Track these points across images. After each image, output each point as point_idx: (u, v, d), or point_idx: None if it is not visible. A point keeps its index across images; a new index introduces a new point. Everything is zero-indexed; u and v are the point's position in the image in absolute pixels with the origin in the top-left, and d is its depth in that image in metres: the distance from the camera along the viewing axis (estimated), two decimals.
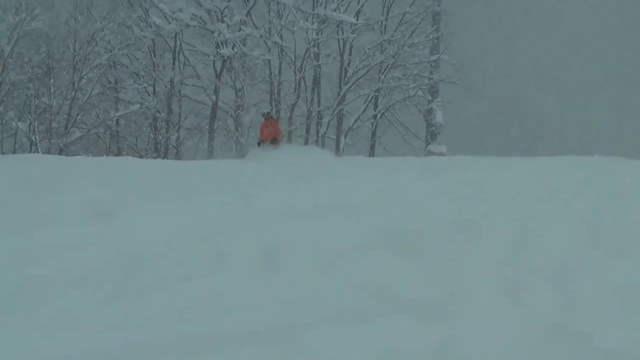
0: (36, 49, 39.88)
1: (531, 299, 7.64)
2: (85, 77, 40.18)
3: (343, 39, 44.73)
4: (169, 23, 39.20)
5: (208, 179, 14.53)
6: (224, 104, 42.81)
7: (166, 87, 42.14)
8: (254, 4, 40.37)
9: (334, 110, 44.46)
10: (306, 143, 43.26)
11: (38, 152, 35.42)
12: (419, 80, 45.52)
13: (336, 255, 8.76)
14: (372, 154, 44.76)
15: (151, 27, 40.64)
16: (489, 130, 57.97)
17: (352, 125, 45.53)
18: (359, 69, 45.06)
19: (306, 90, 45.16)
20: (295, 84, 44.51)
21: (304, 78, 44.69)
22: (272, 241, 9.03)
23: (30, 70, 38.74)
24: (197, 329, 6.64)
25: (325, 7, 42.82)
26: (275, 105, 44.30)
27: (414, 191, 11.59)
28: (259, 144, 27.16)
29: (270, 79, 44.37)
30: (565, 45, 62.52)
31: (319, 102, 45.32)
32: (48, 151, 36.99)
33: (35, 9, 38.49)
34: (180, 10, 38.10)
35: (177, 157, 42.08)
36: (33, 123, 37.62)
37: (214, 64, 40.80)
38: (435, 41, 44.41)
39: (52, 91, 38.73)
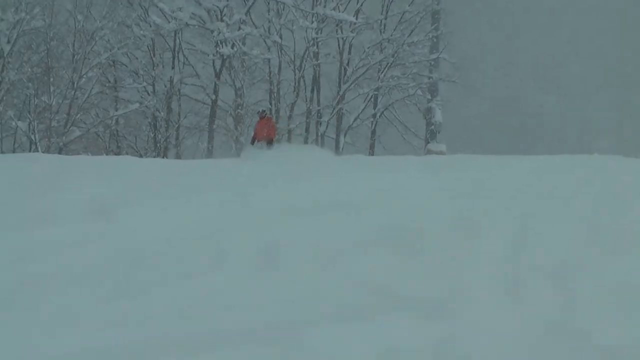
0: (35, 48, 39.84)
1: (531, 297, 7.64)
2: (84, 76, 40.13)
3: (342, 38, 44.75)
4: (169, 22, 39.23)
5: (207, 177, 14.54)
6: (224, 103, 42.84)
7: (166, 86, 42.13)
8: (253, 3, 40.42)
9: (334, 109, 44.48)
10: (306, 142, 43.27)
11: (38, 151, 35.37)
12: (419, 79, 45.56)
13: (336, 253, 8.76)
14: (371, 152, 44.79)
15: (151, 26, 40.65)
16: (488, 130, 57.98)
17: (352, 124, 45.56)
18: (359, 68, 45.09)
19: (306, 89, 45.18)
20: (295, 83, 44.53)
21: (303, 77, 44.72)
22: (272, 239, 9.03)
23: (29, 69, 38.69)
24: (197, 327, 6.63)
25: (325, 6, 42.87)
26: (275, 104, 44.33)
27: (414, 189, 11.60)
28: (252, 143, 27.01)
29: (270, 77, 44.39)
30: (565, 45, 62.52)
31: (318, 101, 45.34)
32: (47, 150, 36.95)
33: (35, 8, 38.44)
34: (180, 9, 38.13)
35: (177, 156, 42.07)
36: (33, 122, 37.59)
37: (213, 63, 40.83)
38: (435, 40, 44.45)
39: (51, 90, 38.68)
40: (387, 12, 45.93)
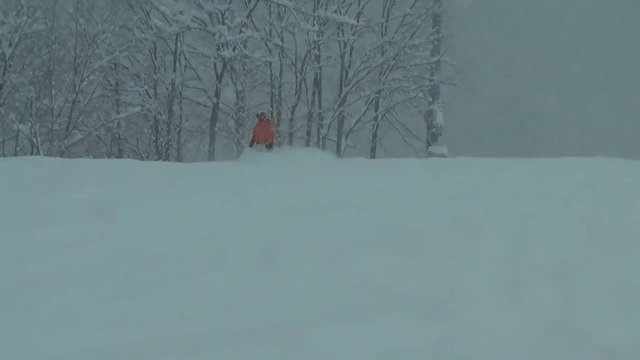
0: (37, 52, 39.88)
1: (531, 297, 7.65)
2: (86, 79, 40.16)
3: (344, 41, 44.78)
4: (170, 25, 39.23)
5: (208, 179, 14.55)
6: (225, 106, 42.86)
7: (167, 89, 42.18)
8: (254, 6, 40.44)
9: (335, 112, 44.49)
10: (307, 145, 43.31)
11: (39, 154, 35.41)
12: (420, 82, 45.54)
13: (336, 253, 8.77)
14: (373, 155, 44.78)
15: (152, 29, 40.67)
16: (489, 130, 57.95)
17: (353, 127, 45.54)
18: (360, 71, 45.10)
19: (307, 92, 45.22)
20: (296, 86, 44.57)
21: (304, 80, 44.76)
22: (272, 239, 9.04)
23: (31, 72, 38.71)
24: (197, 327, 6.65)
25: (326, 9, 42.90)
26: (276, 107, 44.35)
27: (414, 189, 11.60)
28: (251, 145, 26.84)
29: (271, 80, 44.42)
30: (565, 45, 62.46)
31: (319, 104, 45.37)
32: (49, 153, 36.99)
33: (37, 11, 38.49)
34: (181, 13, 38.14)
35: (178, 159, 42.11)
36: (34, 125, 37.59)
37: (214, 66, 40.85)
38: (436, 43, 44.44)
39: (53, 93, 38.71)
40: (388, 15, 45.94)
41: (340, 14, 43.04)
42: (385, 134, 46.76)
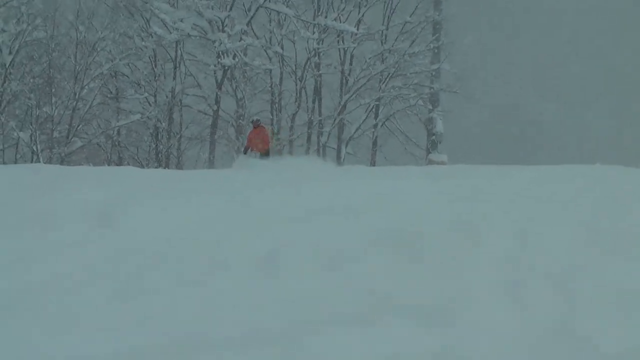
0: (37, 59, 39.92)
1: (532, 301, 7.64)
2: (86, 87, 40.22)
3: (344, 49, 44.88)
4: (170, 33, 39.32)
5: (207, 184, 14.56)
6: (225, 113, 42.95)
7: (167, 96, 42.21)
8: (254, 14, 40.51)
9: (335, 119, 44.55)
10: (307, 152, 43.34)
11: (39, 161, 35.43)
12: (420, 90, 45.61)
13: (336, 257, 8.75)
14: (373, 163, 44.82)
15: (152, 37, 40.75)
16: (488, 138, 57.99)
17: (353, 134, 45.60)
18: (360, 78, 45.16)
19: (307, 100, 45.31)
20: (296, 94, 44.67)
21: (304, 87, 44.86)
22: (272, 243, 9.03)
23: (31, 80, 38.77)
24: (198, 330, 6.64)
25: (326, 17, 42.99)
26: (276, 115, 44.42)
27: (413, 193, 11.61)
28: (244, 152, 26.64)
29: (271, 88, 44.51)
30: (565, 46, 62.52)
31: (319, 111, 45.45)
32: (49, 161, 37.04)
33: (37, 19, 38.56)
34: (181, 20, 38.22)
35: (178, 166, 42.16)
36: (34, 133, 37.63)
37: (214, 73, 40.91)
38: (436, 50, 44.48)
39: (53, 101, 38.78)
40: (388, 23, 46.04)
41: (340, 22, 43.15)
42: (385, 141, 46.82)
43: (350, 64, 45.63)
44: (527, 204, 10.93)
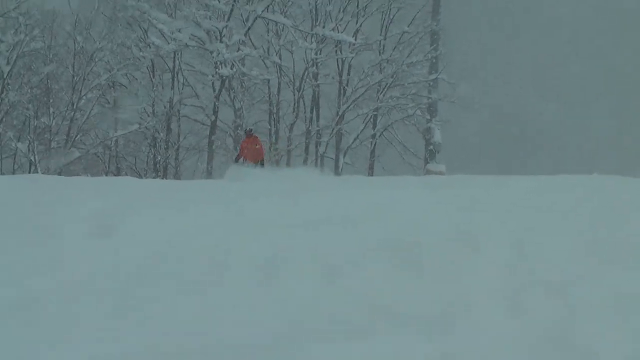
0: (35, 70, 39.97)
1: (531, 310, 7.63)
2: (84, 97, 40.32)
3: (342, 59, 44.98)
4: (168, 43, 39.38)
5: (205, 194, 14.56)
6: (223, 123, 43.00)
7: (165, 107, 42.27)
8: (252, 24, 40.58)
9: (333, 129, 44.62)
10: (305, 162, 43.40)
11: (37, 172, 35.43)
12: (418, 100, 45.72)
13: (334, 267, 8.73)
14: (371, 173, 44.89)
15: (150, 47, 40.83)
16: (489, 140, 58.01)
17: (351, 144, 45.70)
18: (358, 88, 45.28)
19: (305, 110, 45.40)
20: (294, 104, 44.77)
21: (302, 97, 44.97)
22: (270, 253, 9.00)
23: (29, 90, 38.82)
24: (198, 341, 6.65)
25: (324, 27, 43.08)
26: (274, 125, 44.49)
27: (411, 203, 11.59)
28: (236, 160, 26.45)
29: (269, 98, 44.61)
30: (565, 46, 62.57)
31: (317, 121, 45.55)
32: (47, 171, 37.03)
33: (34, 29, 38.63)
34: (179, 31, 38.28)
35: (176, 176, 42.19)
36: (32, 143, 37.68)
37: (212, 83, 40.99)
38: (434, 60, 44.57)
39: (51, 111, 38.84)
40: (386, 33, 46.17)
41: (338, 32, 43.24)
42: (383, 151, 46.92)
43: (348, 74, 45.73)
44: (525, 213, 10.91)
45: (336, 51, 44.77)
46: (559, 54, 62.63)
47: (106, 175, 40.77)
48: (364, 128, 46.06)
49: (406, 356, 6.44)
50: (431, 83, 44.67)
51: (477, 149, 56.99)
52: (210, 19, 39.21)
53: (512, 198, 12.59)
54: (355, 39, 43.83)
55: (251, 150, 25.64)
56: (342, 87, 45.38)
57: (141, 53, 41.20)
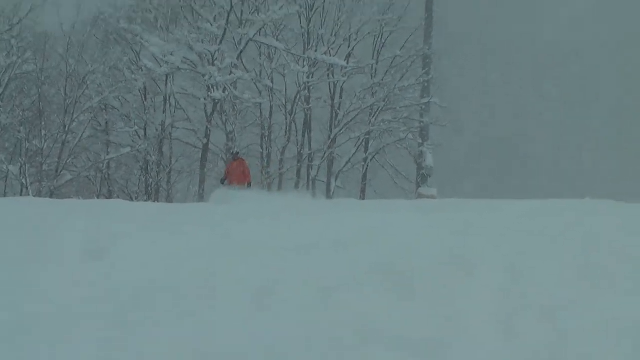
0: (27, 92, 40.00)
1: (523, 334, 7.63)
2: (76, 120, 40.35)
3: (334, 82, 45.09)
4: (160, 66, 39.42)
5: (196, 217, 14.55)
6: (215, 146, 43.03)
7: (157, 129, 42.32)
8: (244, 47, 40.64)
9: (325, 153, 44.68)
10: (297, 186, 43.42)
11: (29, 195, 35.40)
12: (410, 123, 45.77)
13: (326, 291, 8.71)
14: (363, 197, 44.92)
15: (142, 70, 40.92)
16: (479, 164, 58.24)
17: (343, 168, 45.74)
18: (350, 112, 45.38)
19: (297, 133, 45.46)
20: (286, 127, 44.84)
21: (294, 121, 45.05)
22: (262, 277, 8.99)
23: (21, 113, 38.85)
24: None
25: (316, 51, 43.19)
26: (266, 148, 44.53)
27: (403, 227, 11.59)
28: (222, 182, 26.32)
29: (261, 121, 44.68)
30: (555, 78, 62.98)
31: (309, 144, 45.60)
32: (39, 194, 37.05)
33: (27, 52, 38.67)
34: (172, 54, 38.31)
35: (168, 199, 42.20)
36: (24, 166, 37.67)
37: (205, 106, 41.02)
38: (426, 84, 44.61)
39: (43, 134, 38.86)
40: (378, 57, 46.31)
41: (330, 56, 43.33)
42: (375, 175, 47.00)
43: (340, 97, 45.83)
44: (518, 237, 10.91)
45: (328, 75, 44.87)
46: (551, 79, 63.01)
47: (98, 198, 40.71)
48: (355, 152, 46.12)
49: None
50: (423, 107, 44.70)
51: (468, 172, 57.28)
52: (202, 42, 39.27)
53: (504, 222, 12.59)
54: (348, 63, 43.96)
55: (237, 174, 25.49)
56: (334, 111, 45.46)
57: (133, 76, 41.29)
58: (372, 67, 46.21)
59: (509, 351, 7.19)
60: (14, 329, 7.33)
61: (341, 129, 44.98)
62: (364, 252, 9.84)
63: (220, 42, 39.84)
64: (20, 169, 37.87)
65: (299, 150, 45.21)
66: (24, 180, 37.52)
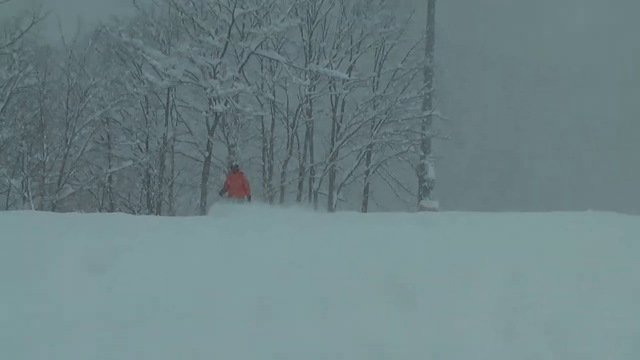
0: (29, 106, 40.03)
1: (526, 348, 7.61)
2: (78, 133, 40.35)
3: (335, 95, 45.09)
4: (162, 79, 39.40)
5: (198, 230, 14.52)
6: (217, 159, 42.98)
7: (159, 143, 42.34)
8: (246, 61, 40.61)
9: (327, 165, 44.64)
10: (299, 198, 43.39)
11: (31, 208, 35.40)
12: (411, 136, 45.72)
13: (328, 305, 8.70)
14: (364, 209, 44.87)
15: (144, 83, 40.89)
16: (481, 177, 58.23)
17: (345, 180, 45.70)
18: (352, 125, 45.35)
19: (299, 146, 45.47)
20: (288, 140, 44.83)
21: (296, 134, 45.04)
22: (263, 291, 8.97)
23: (23, 127, 38.86)
24: None
25: (318, 64, 43.20)
26: (268, 161, 44.51)
27: (405, 239, 11.56)
28: (220, 194, 26.26)
29: (263, 134, 44.66)
30: (557, 92, 62.98)
31: (311, 157, 45.60)
32: (41, 207, 37.04)
33: (28, 65, 38.69)
34: (173, 67, 38.29)
35: (170, 213, 42.15)
36: (26, 179, 37.67)
37: (206, 120, 40.99)
38: (427, 97, 44.58)
39: (45, 147, 38.86)
40: (380, 69, 46.31)
41: (332, 69, 43.30)
42: (377, 188, 46.99)
43: (342, 110, 45.85)
44: (519, 250, 10.89)
45: (330, 87, 44.91)
46: (553, 92, 63.03)
47: (100, 211, 40.72)
48: (357, 164, 46.12)
49: None
50: (425, 119, 44.65)
51: (470, 185, 57.22)
52: (204, 56, 39.26)
53: (506, 235, 12.56)
54: (349, 76, 43.95)
55: (236, 187, 25.42)
56: (335, 124, 45.49)
57: (135, 89, 41.28)
58: (373, 79, 46.22)
59: None
60: (10, 344, 7.32)
61: (343, 142, 44.98)
62: (366, 265, 9.82)
63: (222, 55, 39.83)
64: (22, 182, 37.87)
65: (301, 163, 45.22)
66: (26, 194, 37.52)
